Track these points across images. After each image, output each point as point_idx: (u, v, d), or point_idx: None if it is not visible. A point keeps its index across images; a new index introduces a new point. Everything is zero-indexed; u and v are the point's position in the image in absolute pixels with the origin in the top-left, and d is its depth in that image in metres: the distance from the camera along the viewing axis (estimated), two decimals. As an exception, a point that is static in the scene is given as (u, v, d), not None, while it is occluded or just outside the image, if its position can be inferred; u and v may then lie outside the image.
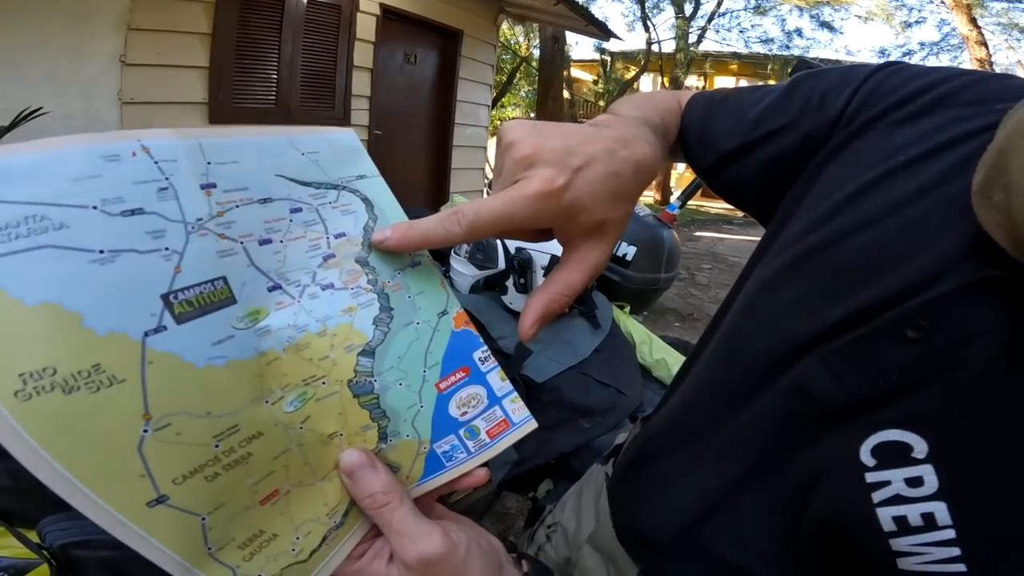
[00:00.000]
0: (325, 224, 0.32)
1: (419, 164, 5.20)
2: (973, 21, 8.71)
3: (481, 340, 0.38)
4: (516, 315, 1.27)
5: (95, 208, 0.22)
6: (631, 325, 1.46)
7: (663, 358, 1.41)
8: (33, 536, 0.71)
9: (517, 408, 0.38)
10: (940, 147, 0.36)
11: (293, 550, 0.28)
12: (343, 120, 4.16)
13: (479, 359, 0.37)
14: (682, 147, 0.54)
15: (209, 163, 0.28)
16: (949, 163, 0.35)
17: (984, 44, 8.72)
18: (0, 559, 0.71)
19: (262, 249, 0.29)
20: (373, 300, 0.33)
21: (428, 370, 0.34)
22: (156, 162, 0.25)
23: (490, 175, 6.00)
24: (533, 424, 0.38)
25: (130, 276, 0.23)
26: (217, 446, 0.25)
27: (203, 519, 0.24)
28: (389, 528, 0.31)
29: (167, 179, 0.25)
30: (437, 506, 0.37)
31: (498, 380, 0.38)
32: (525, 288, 1.24)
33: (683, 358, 1.44)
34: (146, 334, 0.23)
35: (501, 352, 1.15)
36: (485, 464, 0.36)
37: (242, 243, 0.28)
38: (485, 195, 1.45)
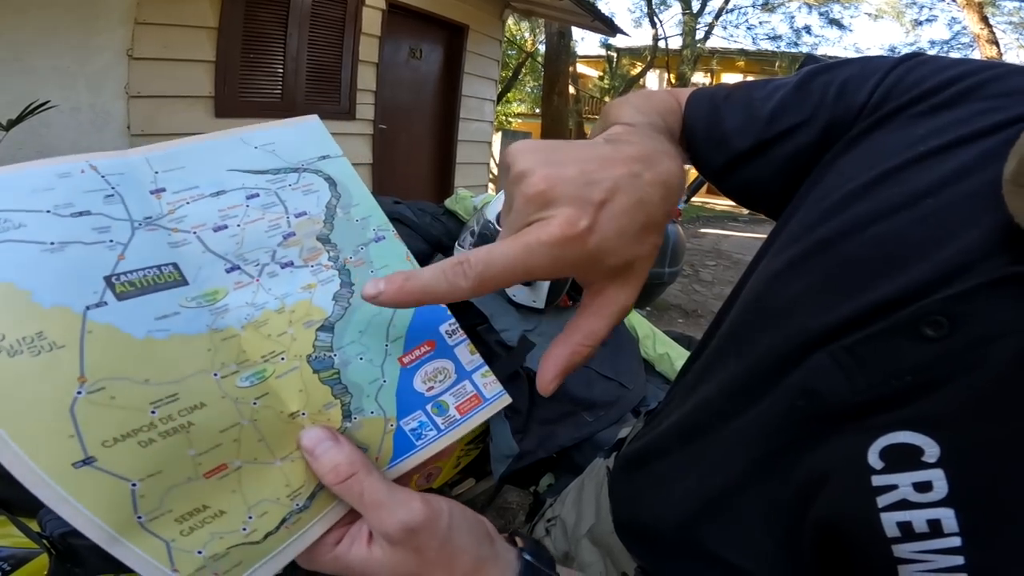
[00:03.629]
0: (285, 205, 0.34)
1: (424, 159, 5.20)
2: (984, 20, 8.64)
3: (449, 313, 0.37)
4: (519, 307, 1.27)
5: (48, 212, 0.26)
6: (634, 319, 1.46)
7: (666, 352, 1.40)
8: (33, 525, 0.71)
9: (489, 383, 0.37)
10: (964, 139, 0.34)
11: (244, 529, 0.27)
12: (348, 114, 4.17)
13: (446, 332, 0.36)
14: (686, 148, 0.51)
15: (157, 172, 0.31)
16: (974, 155, 0.33)
17: (995, 43, 8.65)
18: (0, 549, 0.71)
19: (217, 235, 0.31)
20: (333, 276, 0.34)
21: (390, 344, 0.34)
22: (103, 176, 0.29)
23: (495, 170, 6.01)
24: (507, 399, 0.37)
25: (76, 262, 0.26)
26: (153, 412, 0.25)
27: (133, 485, 0.24)
28: (361, 501, 0.29)
29: (113, 188, 0.29)
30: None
31: (467, 354, 0.37)
32: (529, 280, 1.23)
33: (686, 353, 1.43)
34: (87, 308, 0.25)
35: (504, 344, 1.15)
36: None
37: (195, 233, 0.31)
38: (490, 191, 1.43)
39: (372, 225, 0.36)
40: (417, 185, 5.04)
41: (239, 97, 3.48)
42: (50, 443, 0.23)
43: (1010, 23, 10.74)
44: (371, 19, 4.17)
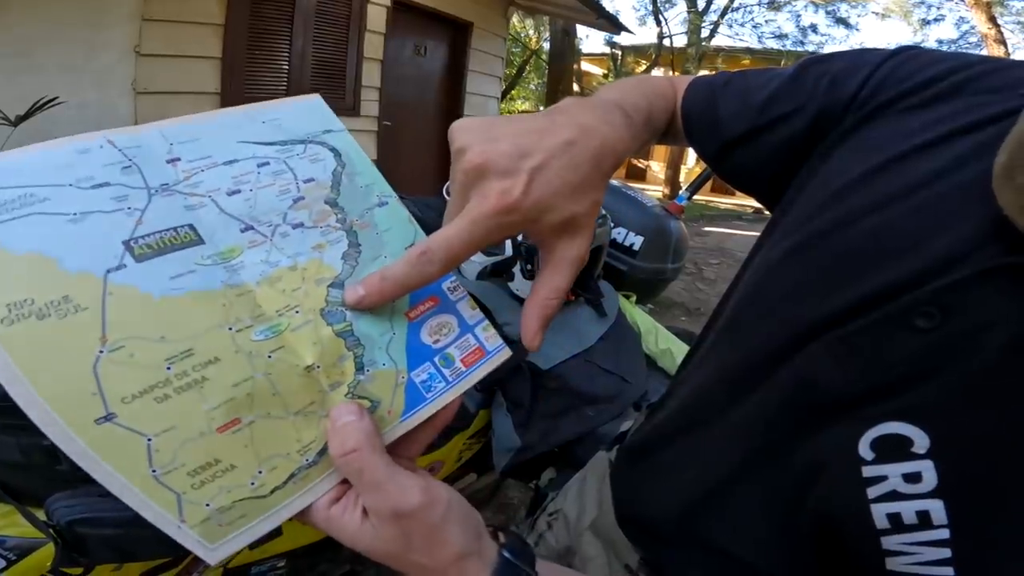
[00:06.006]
0: (294, 172, 0.36)
1: (428, 155, 5.21)
2: (992, 19, 8.55)
3: (451, 272, 0.39)
4: (522, 301, 1.27)
5: (70, 185, 0.28)
6: (637, 314, 1.46)
7: (668, 348, 1.41)
8: (40, 514, 0.71)
9: (490, 336, 0.38)
10: (957, 131, 0.34)
11: (252, 483, 0.28)
12: (352, 111, 4.18)
13: (448, 289, 0.38)
14: (685, 133, 0.52)
15: (172, 144, 0.32)
16: (967, 147, 0.33)
17: (1003, 43, 8.57)
18: (6, 539, 0.72)
19: (231, 199, 0.33)
20: (342, 237, 0.35)
21: (396, 300, 0.35)
22: (120, 149, 0.31)
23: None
24: (507, 352, 0.38)
25: (97, 229, 0.28)
26: (169, 368, 0.27)
27: (149, 440, 0.26)
28: (359, 479, 0.30)
29: (130, 160, 0.30)
30: (420, 470, 0.35)
31: (468, 309, 0.38)
32: (532, 274, 1.24)
33: (688, 348, 1.43)
34: (108, 271, 0.27)
35: (507, 338, 1.15)
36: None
37: (210, 196, 0.32)
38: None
39: (375, 191, 0.38)
40: (421, 181, 5.04)
41: (245, 93, 3.49)
42: (75, 400, 0.24)
43: (1018, 23, 10.67)
44: (376, 16, 4.18)
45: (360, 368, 0.33)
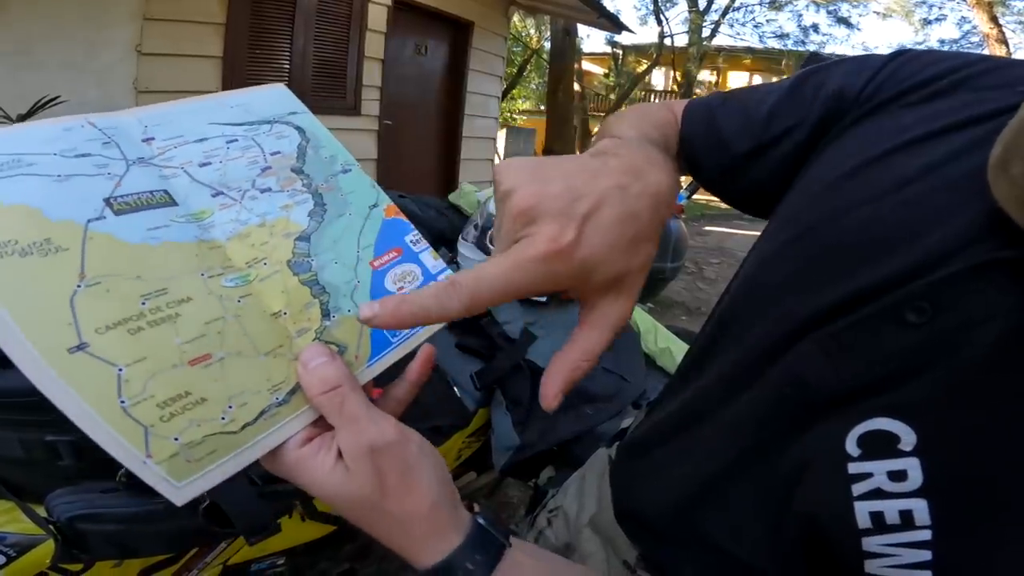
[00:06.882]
0: (261, 147, 0.38)
1: (429, 154, 5.21)
2: (994, 19, 8.55)
3: (412, 226, 0.41)
4: (521, 301, 1.27)
5: (55, 154, 0.30)
6: (636, 313, 1.46)
7: (667, 347, 1.41)
8: (41, 511, 0.72)
9: None
10: (953, 126, 0.34)
11: (223, 418, 0.29)
12: (353, 110, 4.18)
13: (411, 241, 0.40)
14: (686, 159, 0.51)
15: (146, 126, 0.35)
16: (962, 142, 0.33)
17: (1004, 42, 8.57)
18: (6, 535, 0.72)
19: (202, 169, 0.35)
20: (308, 198, 0.37)
21: (361, 251, 0.37)
22: (100, 129, 0.33)
23: (500, 168, 6.01)
24: None
25: (79, 188, 0.30)
26: (143, 303, 0.28)
27: (120, 370, 0.26)
28: (340, 413, 0.30)
29: (109, 137, 0.33)
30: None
31: (431, 259, 0.40)
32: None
33: (687, 347, 1.43)
34: (89, 221, 0.29)
35: (506, 337, 1.15)
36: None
37: (183, 168, 0.34)
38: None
39: (339, 161, 0.41)
40: (422, 180, 5.04)
41: (245, 92, 3.49)
42: (50, 329, 0.25)
43: (1020, 23, 10.67)
44: (377, 15, 4.17)
45: (326, 314, 0.34)
